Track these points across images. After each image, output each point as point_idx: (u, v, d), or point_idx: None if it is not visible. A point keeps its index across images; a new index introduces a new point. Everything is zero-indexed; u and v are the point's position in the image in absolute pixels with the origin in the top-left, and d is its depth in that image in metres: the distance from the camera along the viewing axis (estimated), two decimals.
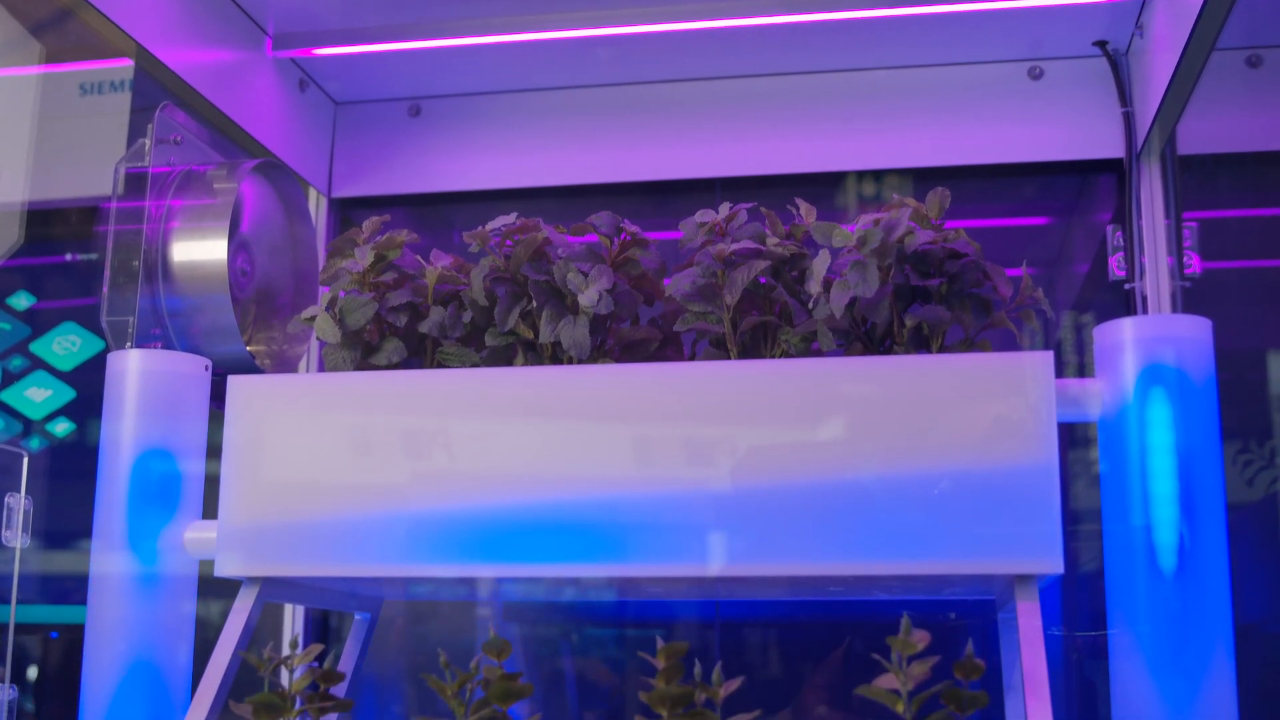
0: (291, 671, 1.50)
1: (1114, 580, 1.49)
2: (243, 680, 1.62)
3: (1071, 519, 2.14)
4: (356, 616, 1.88)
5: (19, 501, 1.82)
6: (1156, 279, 2.04)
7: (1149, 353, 1.49)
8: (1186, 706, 1.44)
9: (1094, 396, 1.52)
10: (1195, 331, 1.51)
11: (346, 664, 1.85)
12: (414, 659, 2.50)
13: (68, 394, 2.57)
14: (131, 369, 1.69)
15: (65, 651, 2.61)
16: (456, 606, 2.53)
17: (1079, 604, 2.13)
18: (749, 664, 2.23)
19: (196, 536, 1.67)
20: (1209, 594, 1.44)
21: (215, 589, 1.73)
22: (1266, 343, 2.24)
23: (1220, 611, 1.44)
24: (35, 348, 2.58)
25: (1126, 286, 2.07)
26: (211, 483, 1.64)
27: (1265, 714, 2.02)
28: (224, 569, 1.57)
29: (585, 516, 1.48)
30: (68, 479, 2.56)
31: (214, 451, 1.68)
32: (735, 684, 1.43)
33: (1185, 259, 2.05)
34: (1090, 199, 2.31)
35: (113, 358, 1.71)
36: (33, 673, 2.59)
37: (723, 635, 2.22)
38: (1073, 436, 2.18)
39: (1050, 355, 1.45)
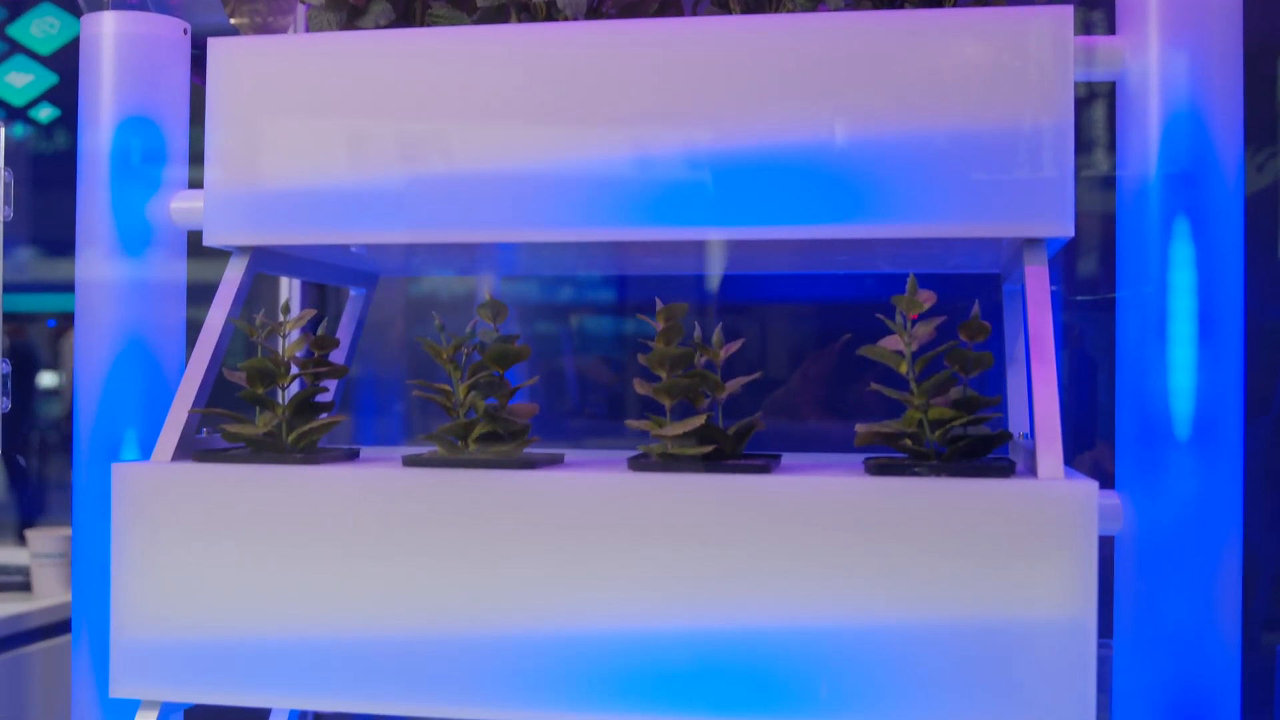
0: (285, 337, 1.48)
1: (1124, 239, 1.45)
2: (237, 353, 1.60)
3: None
4: (352, 291, 1.85)
5: None
6: None
7: (1174, 4, 1.42)
8: (1192, 372, 1.42)
9: (1114, 53, 1.45)
10: None
11: (343, 338, 1.83)
12: (412, 348, 2.50)
13: (50, 79, 2.50)
14: (106, 32, 1.61)
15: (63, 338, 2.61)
16: (454, 302, 2.52)
17: (1080, 282, 2.11)
18: (747, 349, 2.22)
19: (183, 206, 1.63)
20: (1221, 251, 1.40)
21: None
22: None
23: (1232, 273, 1.41)
24: (13, 31, 2.50)
25: None
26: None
27: (1265, 396, 2.02)
28: (212, 238, 1.53)
29: (584, 177, 1.43)
30: (54, 166, 2.52)
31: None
32: (735, 345, 1.41)
33: None
34: None
35: (87, 20, 1.63)
36: (30, 358, 2.60)
37: (721, 321, 2.21)
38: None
39: (1069, 9, 1.38)
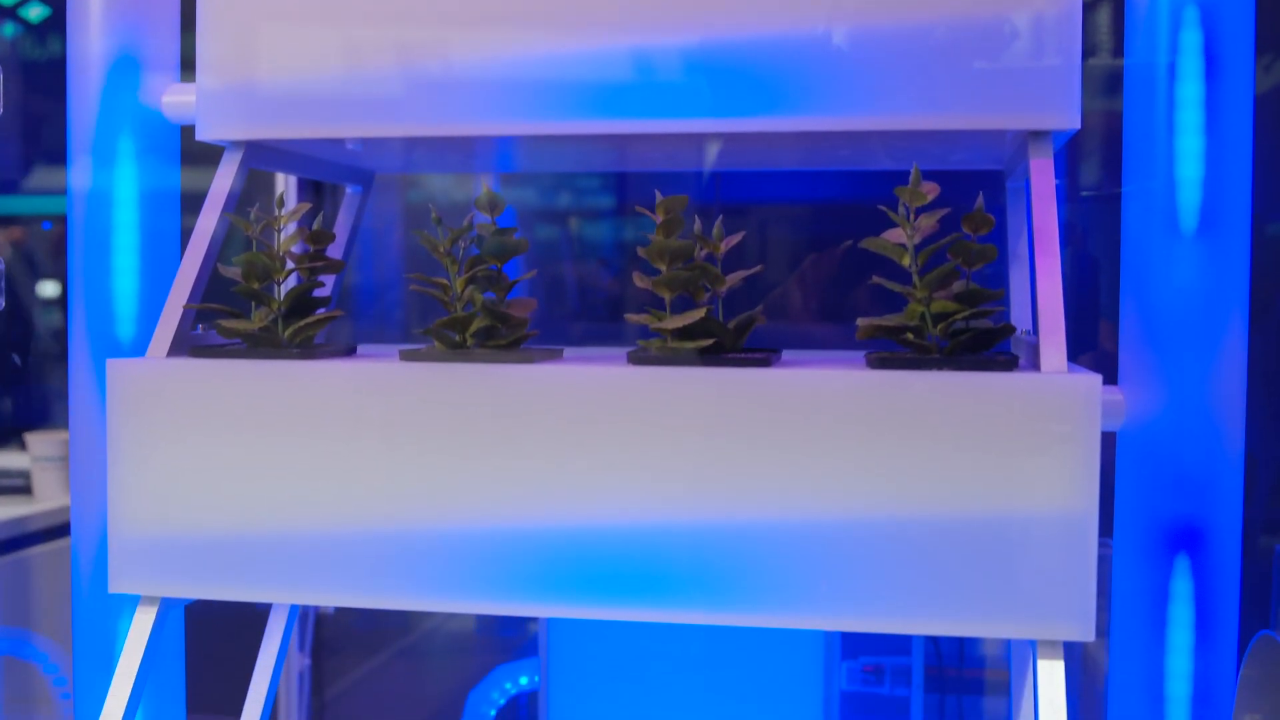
0: (280, 231, 1.46)
1: (1131, 132, 1.43)
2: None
3: None
4: (348, 190, 1.83)
5: None
6: None
7: None
8: (1196, 267, 1.41)
9: None
10: None
11: (339, 236, 1.81)
12: (410, 254, 2.48)
13: None
14: None
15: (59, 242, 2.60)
16: (453, 208, 2.50)
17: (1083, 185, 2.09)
18: (747, 248, 2.20)
19: (175, 100, 1.61)
20: (1229, 144, 1.38)
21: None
22: None
23: (1240, 166, 1.40)
24: None
25: None
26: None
27: (1268, 301, 2.01)
28: (205, 132, 1.51)
29: (580, 68, 1.40)
30: (44, 68, 2.48)
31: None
32: (737, 238, 1.40)
33: None
34: None
35: None
36: (28, 261, 2.59)
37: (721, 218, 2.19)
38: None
39: None
